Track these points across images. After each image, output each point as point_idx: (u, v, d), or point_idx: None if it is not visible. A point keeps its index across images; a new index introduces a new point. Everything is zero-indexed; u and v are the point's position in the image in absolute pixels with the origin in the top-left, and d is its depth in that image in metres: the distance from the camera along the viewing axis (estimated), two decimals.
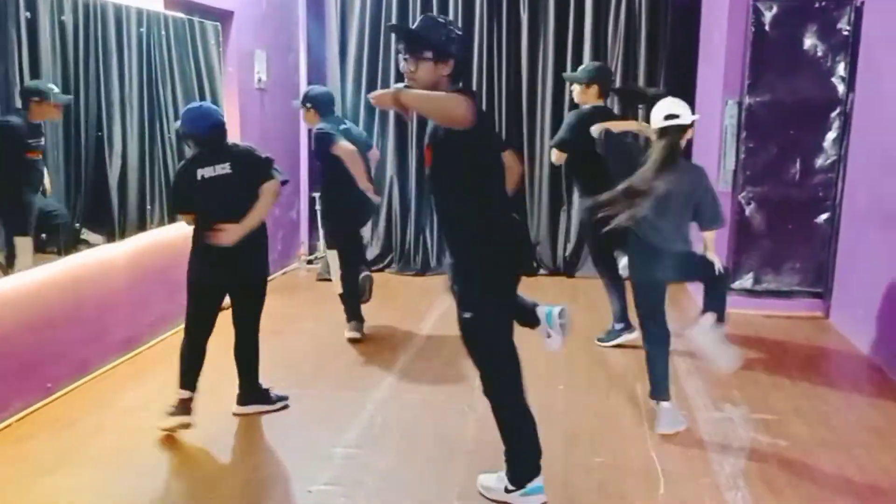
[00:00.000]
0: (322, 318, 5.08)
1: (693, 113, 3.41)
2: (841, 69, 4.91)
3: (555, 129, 6.17)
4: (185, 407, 3.37)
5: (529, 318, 2.93)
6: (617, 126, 4.04)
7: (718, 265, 3.44)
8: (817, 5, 4.87)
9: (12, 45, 3.60)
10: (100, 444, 3.31)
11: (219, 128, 3.40)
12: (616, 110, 5.24)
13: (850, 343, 4.70)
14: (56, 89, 3.78)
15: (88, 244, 4.14)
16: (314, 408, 3.72)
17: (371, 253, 6.56)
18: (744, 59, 5.02)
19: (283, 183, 3.49)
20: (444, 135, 2.48)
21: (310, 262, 6.71)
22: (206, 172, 3.32)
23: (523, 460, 2.78)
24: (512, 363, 2.72)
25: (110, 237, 4.31)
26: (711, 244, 3.50)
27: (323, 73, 6.70)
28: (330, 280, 6.15)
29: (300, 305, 5.19)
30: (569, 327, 2.94)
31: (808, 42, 4.93)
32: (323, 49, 6.70)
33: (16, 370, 3.49)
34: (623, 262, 3.54)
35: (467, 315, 2.64)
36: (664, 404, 3.45)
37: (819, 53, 4.93)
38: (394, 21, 6.34)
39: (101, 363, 4.10)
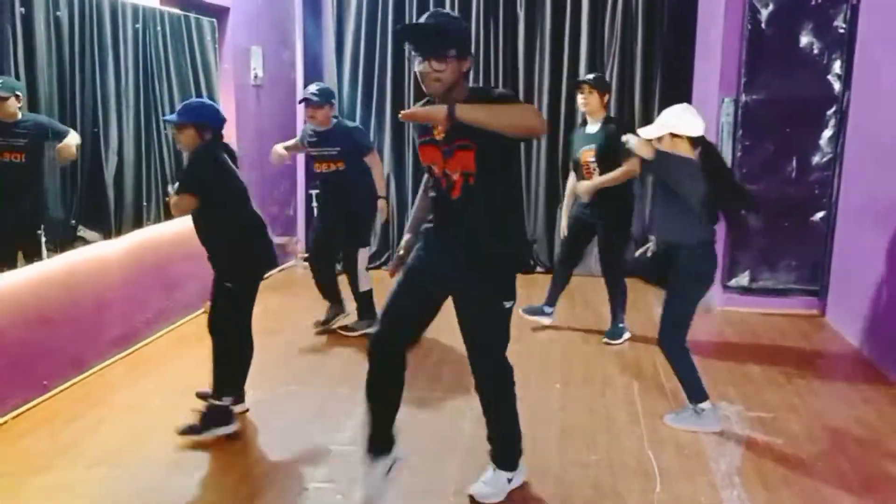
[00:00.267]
0: (317, 315, 5.07)
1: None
2: (837, 67, 4.92)
3: (552, 127, 6.19)
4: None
5: None
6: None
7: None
8: (813, 3, 4.88)
9: (7, 41, 3.58)
10: (96, 442, 3.30)
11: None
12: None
13: (845, 340, 4.71)
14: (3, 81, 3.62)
15: (85, 241, 4.13)
16: (311, 405, 3.72)
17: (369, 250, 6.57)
18: (740, 57, 5.03)
19: None
20: (491, 136, 2.32)
21: (306, 259, 6.69)
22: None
23: (517, 442, 2.88)
24: None
25: (107, 234, 4.30)
26: None
27: (319, 69, 6.69)
28: None
29: (297, 303, 5.18)
30: None
31: (805, 40, 4.94)
32: (320, 45, 6.68)
33: (12, 367, 3.49)
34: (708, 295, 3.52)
35: (508, 304, 2.65)
36: (707, 405, 3.45)
37: (815, 51, 4.93)
38: (400, 20, 6.34)
39: (97, 360, 4.09)
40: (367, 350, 2.71)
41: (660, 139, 3.30)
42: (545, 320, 4.86)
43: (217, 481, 3.03)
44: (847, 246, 4.87)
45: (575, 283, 6.08)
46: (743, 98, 5.05)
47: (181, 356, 4.38)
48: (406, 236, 2.90)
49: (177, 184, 3.27)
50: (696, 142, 3.30)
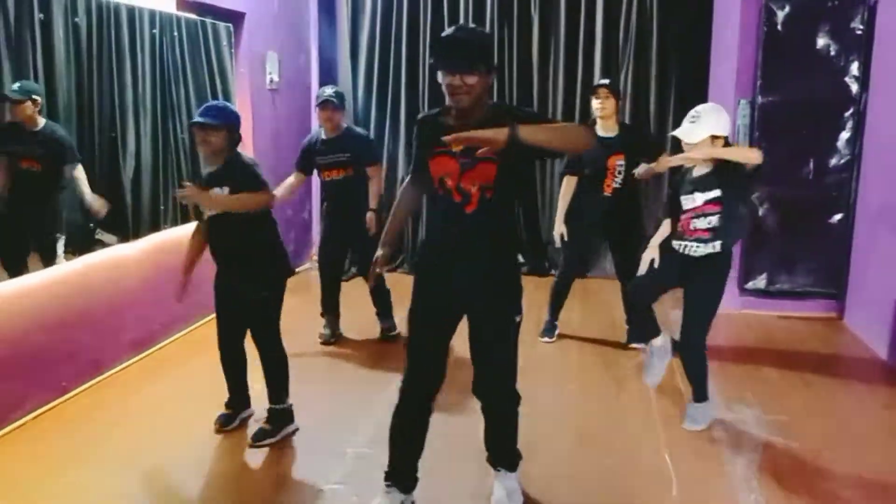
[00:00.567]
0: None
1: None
2: (854, 68, 4.88)
3: None
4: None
5: None
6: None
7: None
8: (830, 4, 4.85)
9: (26, 46, 3.63)
10: (113, 443, 3.33)
11: None
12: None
13: (863, 344, 4.67)
14: (17, 86, 3.64)
15: (103, 244, 4.17)
16: (326, 407, 3.72)
17: None
18: (756, 59, 5.00)
19: None
20: (516, 149, 2.29)
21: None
22: None
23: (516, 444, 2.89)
24: None
25: (124, 237, 4.33)
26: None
27: (334, 74, 6.72)
28: (342, 280, 6.20)
29: (311, 305, 5.18)
30: None
31: (821, 41, 4.90)
32: (334, 50, 6.71)
33: (31, 369, 3.52)
34: None
35: (519, 318, 2.64)
36: (705, 403, 3.51)
37: (832, 53, 4.90)
38: (414, 27, 6.36)
39: (114, 362, 4.12)
40: (399, 398, 2.71)
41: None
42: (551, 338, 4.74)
43: (232, 483, 3.04)
44: (865, 248, 4.82)
45: (590, 285, 6.09)
46: (759, 100, 5.02)
47: (198, 359, 4.40)
48: (381, 251, 2.80)
49: (225, 188, 3.10)
50: (726, 141, 3.34)
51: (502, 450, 2.86)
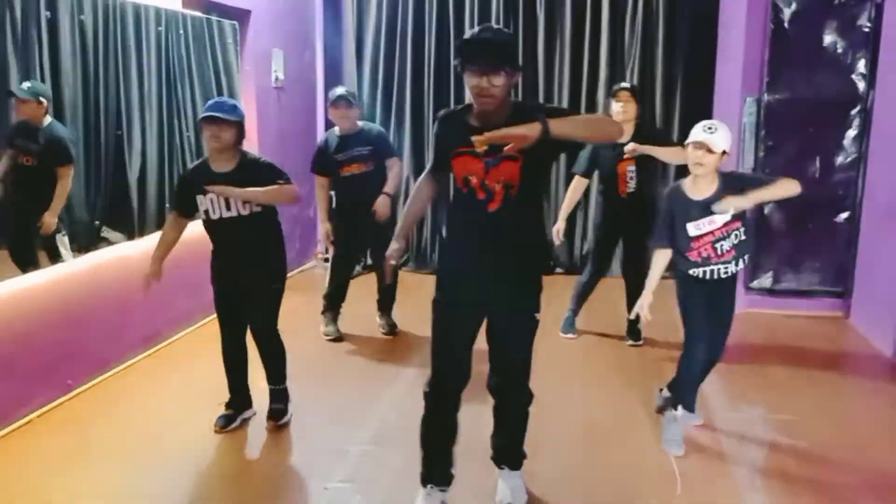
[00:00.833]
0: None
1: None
2: (861, 66, 4.86)
3: None
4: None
5: None
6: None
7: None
8: (837, 2, 4.82)
9: (33, 45, 3.64)
10: (119, 441, 3.34)
11: None
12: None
13: (870, 343, 4.65)
14: (27, 85, 3.66)
15: (108, 242, 4.18)
16: (330, 405, 3.73)
17: None
18: (762, 57, 4.98)
19: None
20: (538, 148, 2.32)
21: (326, 260, 6.72)
22: None
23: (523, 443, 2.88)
24: None
25: (130, 235, 4.34)
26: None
27: (339, 71, 6.71)
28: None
29: (316, 304, 5.19)
30: None
31: (828, 39, 4.88)
32: (340, 48, 6.71)
33: (37, 367, 3.53)
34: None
35: (537, 316, 2.65)
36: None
37: (839, 50, 4.88)
38: (419, 25, 6.35)
39: (120, 360, 4.13)
40: (426, 396, 2.69)
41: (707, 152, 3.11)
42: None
43: (238, 481, 3.05)
44: (872, 247, 4.80)
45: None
46: (766, 98, 5.00)
47: (203, 356, 4.41)
48: (395, 244, 2.75)
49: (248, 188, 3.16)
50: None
51: (509, 449, 2.86)
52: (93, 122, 4.06)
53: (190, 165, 3.46)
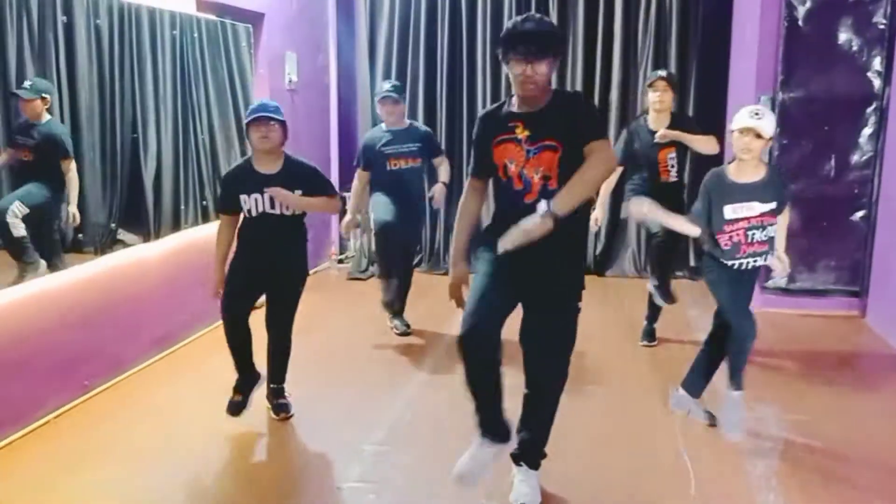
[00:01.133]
0: (352, 316, 5.11)
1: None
2: (877, 63, 4.83)
3: None
4: None
5: None
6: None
7: None
8: None
9: (49, 48, 3.68)
10: (134, 441, 3.37)
11: None
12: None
13: (886, 343, 4.61)
14: (28, 84, 3.69)
15: (124, 244, 4.22)
16: (344, 405, 3.74)
17: None
18: (777, 55, 4.96)
19: None
20: (577, 138, 2.42)
21: (340, 261, 6.76)
22: None
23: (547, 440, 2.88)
24: None
25: (145, 237, 4.38)
26: None
27: (352, 73, 6.74)
28: (361, 279, 6.25)
29: (331, 304, 5.23)
30: None
31: (843, 36, 4.85)
32: (353, 50, 6.74)
33: (54, 368, 3.57)
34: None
35: (580, 305, 2.68)
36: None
37: (854, 48, 4.85)
38: (432, 28, 6.37)
39: (136, 361, 4.17)
40: (459, 348, 2.61)
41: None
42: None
43: (251, 480, 3.06)
44: (888, 246, 4.76)
45: (610, 284, 6.07)
46: (780, 96, 4.98)
47: (218, 356, 4.42)
48: (454, 270, 2.77)
49: (298, 190, 3.28)
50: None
51: (535, 444, 2.84)
52: (108, 125, 4.10)
53: (231, 166, 3.56)
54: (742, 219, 3.14)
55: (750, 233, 3.14)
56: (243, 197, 3.29)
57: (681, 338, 4.66)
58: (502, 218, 2.59)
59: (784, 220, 3.32)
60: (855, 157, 4.95)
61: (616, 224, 6.21)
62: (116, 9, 4.09)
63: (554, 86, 2.69)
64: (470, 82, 6.46)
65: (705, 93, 6.01)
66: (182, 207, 4.74)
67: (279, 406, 3.56)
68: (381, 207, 4.65)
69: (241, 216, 3.36)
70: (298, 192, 3.29)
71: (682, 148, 4.29)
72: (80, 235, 3.97)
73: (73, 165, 3.85)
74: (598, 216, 4.55)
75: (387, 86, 4.69)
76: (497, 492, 2.89)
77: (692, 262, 6.12)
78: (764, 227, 3.14)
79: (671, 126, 4.26)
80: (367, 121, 6.61)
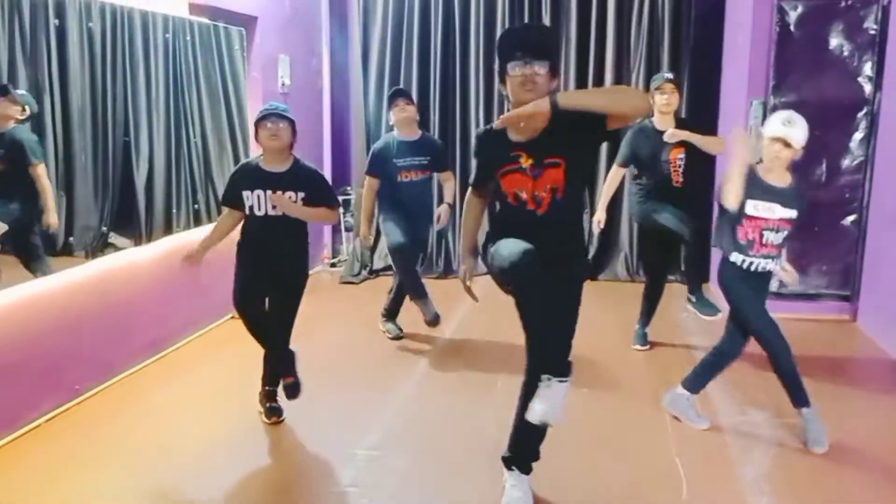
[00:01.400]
0: (345, 320, 5.10)
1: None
2: (868, 69, 4.85)
3: None
4: None
5: None
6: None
7: None
8: (843, 4, 4.82)
9: (41, 52, 3.67)
10: (126, 445, 3.35)
11: None
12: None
13: (877, 346, 4.63)
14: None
15: (116, 247, 4.21)
16: (336, 409, 3.74)
17: None
18: (768, 59, 4.98)
19: None
20: (578, 149, 2.43)
21: (333, 265, 6.75)
22: None
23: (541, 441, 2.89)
24: None
25: (137, 241, 4.37)
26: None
27: (346, 77, 6.74)
28: (354, 283, 6.25)
29: (323, 308, 5.22)
30: None
31: (834, 42, 4.88)
32: (346, 55, 6.74)
33: (44, 372, 3.55)
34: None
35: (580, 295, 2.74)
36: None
37: (845, 53, 4.87)
38: (425, 32, 6.37)
39: (127, 365, 4.15)
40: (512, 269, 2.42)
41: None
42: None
43: (244, 484, 3.05)
44: (879, 250, 4.79)
45: (602, 287, 6.08)
46: (772, 101, 5.00)
47: (210, 360, 4.43)
48: (465, 265, 2.82)
49: (300, 192, 3.29)
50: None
51: (528, 447, 2.85)
52: (100, 129, 4.09)
53: (241, 163, 3.56)
54: (760, 218, 3.18)
55: (765, 234, 3.19)
56: (246, 193, 3.30)
57: (672, 341, 4.67)
58: (512, 229, 2.54)
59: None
60: (846, 162, 4.98)
61: (609, 228, 6.21)
62: (109, 12, 4.08)
63: None
64: (463, 87, 6.47)
65: (697, 97, 6.02)
66: (174, 211, 4.73)
67: (271, 409, 3.56)
68: (392, 228, 4.60)
69: (244, 214, 3.38)
70: (301, 194, 3.30)
71: (689, 149, 4.29)
72: (71, 239, 3.96)
73: (42, 170, 3.75)
74: (601, 218, 4.55)
75: (396, 88, 4.68)
76: (486, 495, 2.89)
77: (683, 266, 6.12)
78: (778, 231, 3.20)
79: (678, 127, 4.27)
80: (361, 124, 6.61)
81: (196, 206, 4.94)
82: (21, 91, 3.64)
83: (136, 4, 4.25)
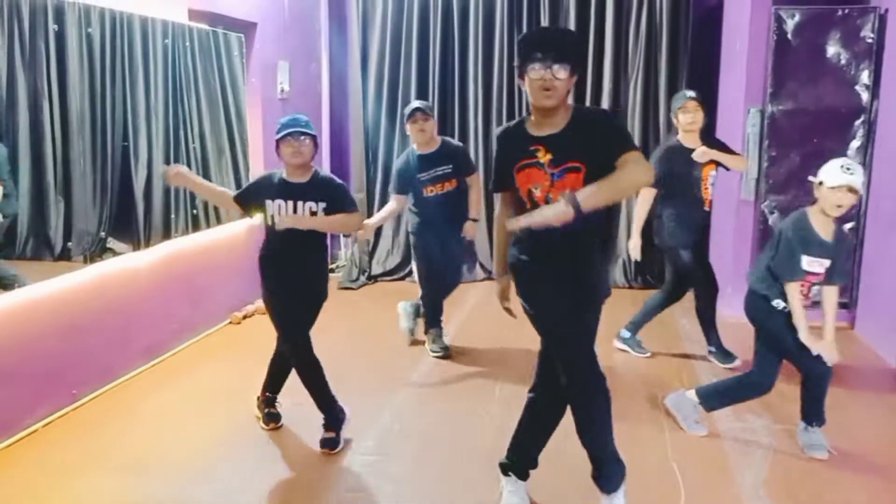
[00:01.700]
0: (342, 326, 5.10)
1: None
2: (865, 77, 4.87)
3: None
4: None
5: None
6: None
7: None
8: (840, 13, 4.84)
9: (40, 57, 3.67)
10: (123, 450, 3.35)
11: None
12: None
13: (875, 353, 4.64)
14: None
15: (114, 252, 4.21)
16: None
17: (392, 261, 6.60)
18: (766, 67, 4.99)
19: None
20: (600, 156, 2.37)
21: (331, 270, 6.75)
22: None
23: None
24: None
25: (136, 246, 4.37)
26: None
27: (345, 83, 6.75)
28: (352, 288, 6.25)
29: (321, 313, 5.19)
30: None
31: (832, 50, 4.89)
32: (345, 61, 6.75)
33: (42, 376, 3.55)
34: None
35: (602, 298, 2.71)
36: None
37: (842, 61, 4.89)
38: (424, 38, 6.39)
39: (125, 370, 4.15)
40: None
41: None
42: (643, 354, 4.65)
43: (241, 490, 3.05)
44: (876, 257, 4.80)
45: None
46: (769, 108, 5.01)
47: (207, 366, 4.43)
48: (500, 283, 2.80)
49: (321, 203, 3.26)
50: None
51: (530, 454, 2.86)
52: (99, 134, 4.09)
53: (268, 172, 3.53)
54: (813, 273, 3.17)
55: (813, 288, 3.21)
56: (268, 202, 3.29)
57: (671, 350, 4.67)
58: (534, 243, 2.55)
59: (834, 296, 3.31)
60: None
61: (608, 235, 6.20)
62: (108, 17, 4.09)
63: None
64: (462, 91, 6.48)
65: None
66: (172, 216, 4.73)
67: (270, 415, 3.56)
68: (422, 254, 4.58)
69: (265, 227, 3.36)
70: (322, 205, 3.26)
71: (718, 167, 4.29)
72: (70, 244, 3.96)
73: None
74: (637, 243, 4.41)
75: (415, 103, 4.49)
76: (483, 501, 2.89)
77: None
78: (818, 285, 3.23)
79: (706, 145, 4.22)
80: (360, 130, 6.61)
81: (195, 211, 4.94)
82: None
83: (136, 10, 4.27)
